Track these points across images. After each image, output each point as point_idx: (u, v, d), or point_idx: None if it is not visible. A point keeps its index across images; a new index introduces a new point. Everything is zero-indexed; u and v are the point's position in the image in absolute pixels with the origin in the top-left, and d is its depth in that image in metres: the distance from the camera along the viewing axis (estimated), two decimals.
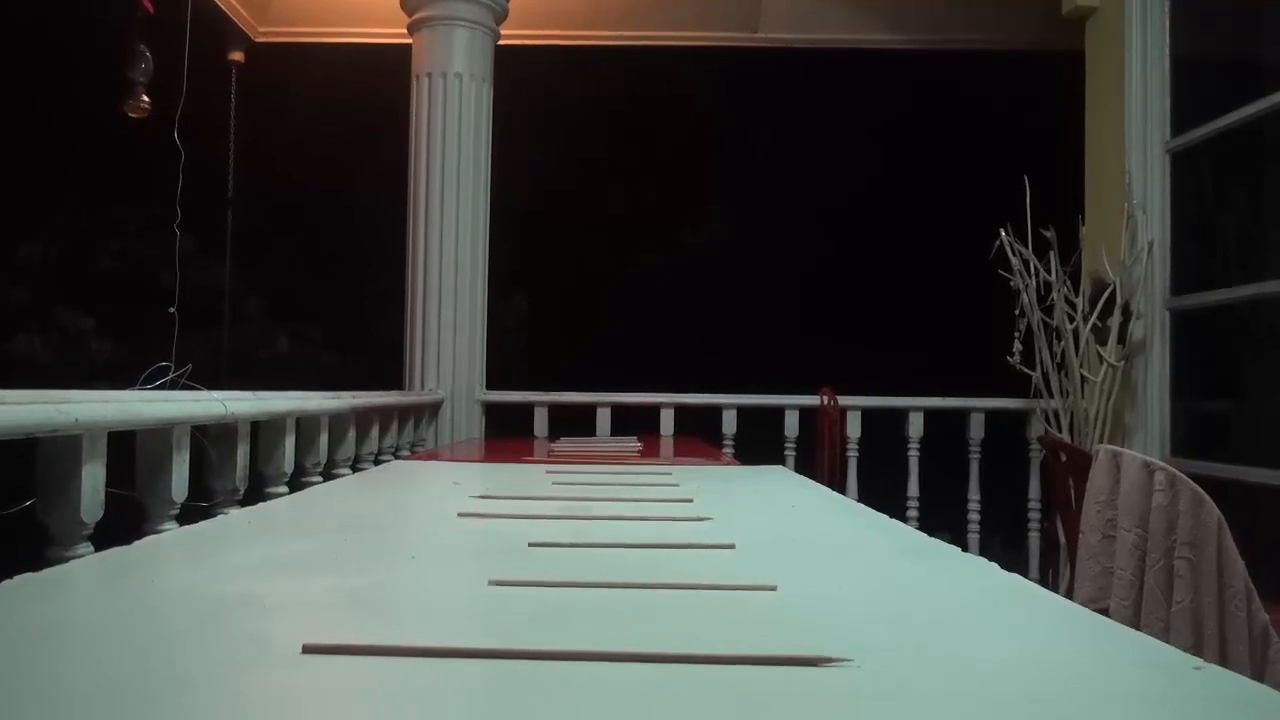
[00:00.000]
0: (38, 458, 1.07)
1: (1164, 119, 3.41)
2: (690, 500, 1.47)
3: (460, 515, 1.27)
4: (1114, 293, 3.28)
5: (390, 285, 3.87)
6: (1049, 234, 3.37)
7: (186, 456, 1.33)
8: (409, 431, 3.05)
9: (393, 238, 3.77)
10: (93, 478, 1.08)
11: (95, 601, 0.79)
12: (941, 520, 4.25)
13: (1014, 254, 3.38)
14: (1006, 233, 3.39)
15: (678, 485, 1.69)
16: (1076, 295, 3.35)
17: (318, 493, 1.53)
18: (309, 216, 5.66)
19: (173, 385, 1.64)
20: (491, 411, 3.78)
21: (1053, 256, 3.36)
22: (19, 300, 5.45)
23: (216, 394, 1.42)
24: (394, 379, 3.68)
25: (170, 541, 1.00)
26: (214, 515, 1.53)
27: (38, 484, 1.08)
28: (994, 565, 0.96)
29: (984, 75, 5.17)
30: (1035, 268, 3.38)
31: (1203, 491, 1.96)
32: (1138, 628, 2.09)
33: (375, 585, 0.86)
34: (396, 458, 2.84)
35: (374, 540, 1.12)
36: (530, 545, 1.04)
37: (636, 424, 3.81)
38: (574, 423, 3.82)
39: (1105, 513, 2.15)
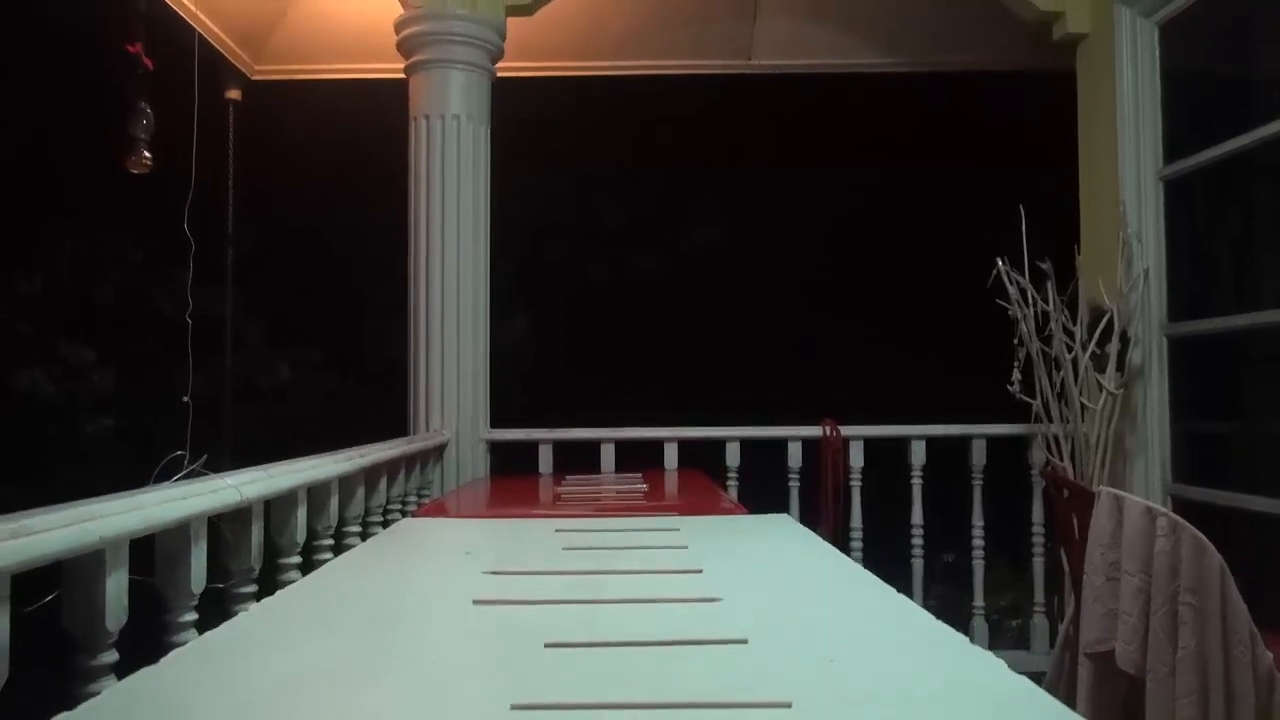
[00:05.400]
0: (61, 569, 1.09)
1: (1156, 146, 3.44)
2: (700, 571, 1.50)
3: (475, 603, 1.30)
4: (1111, 320, 3.30)
5: (391, 313, 3.88)
6: (1045, 266, 3.39)
7: (204, 547, 1.35)
8: (415, 477, 3.07)
9: (394, 271, 3.78)
10: (117, 586, 1.11)
11: None
12: (946, 545, 4.28)
13: (1011, 283, 3.40)
14: (1003, 262, 3.41)
15: (686, 548, 1.73)
16: (1074, 324, 3.37)
17: (333, 572, 1.55)
18: (310, 252, 5.69)
19: (182, 462, 1.67)
20: (496, 448, 3.80)
21: (1049, 286, 3.38)
22: (23, 335, 5.52)
23: (230, 479, 1.44)
24: (396, 408, 3.69)
25: (191, 657, 1.02)
26: (231, 596, 1.56)
27: (61, 594, 1.10)
28: (1002, 664, 0.98)
29: (978, 97, 5.18)
30: (1033, 297, 3.40)
31: (1204, 538, 1.98)
32: (1144, 671, 2.11)
33: (395, 706, 0.89)
34: (404, 508, 2.86)
35: (392, 641, 1.15)
36: (547, 646, 1.07)
37: (641, 453, 3.84)
38: (579, 453, 3.85)
39: (1109, 555, 2.17)
